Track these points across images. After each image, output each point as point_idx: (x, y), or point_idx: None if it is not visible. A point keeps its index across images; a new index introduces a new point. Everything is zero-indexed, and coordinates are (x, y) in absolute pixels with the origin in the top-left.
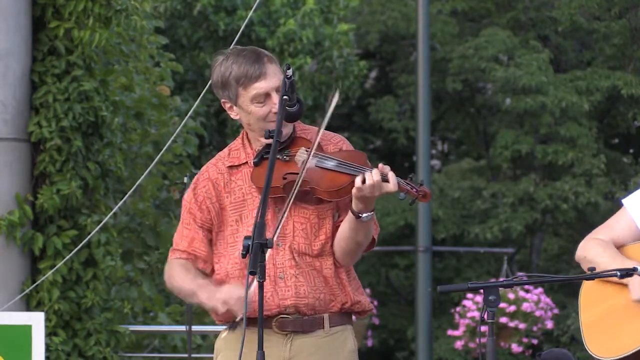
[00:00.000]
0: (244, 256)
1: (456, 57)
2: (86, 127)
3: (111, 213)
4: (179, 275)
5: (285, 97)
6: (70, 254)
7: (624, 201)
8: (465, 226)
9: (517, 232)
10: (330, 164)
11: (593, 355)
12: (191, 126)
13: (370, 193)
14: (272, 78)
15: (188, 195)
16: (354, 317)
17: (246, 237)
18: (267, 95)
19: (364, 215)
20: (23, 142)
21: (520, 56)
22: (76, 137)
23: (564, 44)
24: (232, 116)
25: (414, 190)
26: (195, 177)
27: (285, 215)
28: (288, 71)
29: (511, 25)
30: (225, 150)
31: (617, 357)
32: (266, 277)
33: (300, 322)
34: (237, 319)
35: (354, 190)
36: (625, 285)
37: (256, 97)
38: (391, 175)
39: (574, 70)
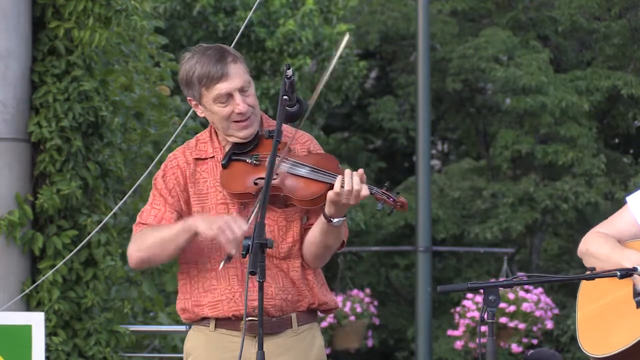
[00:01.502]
0: (244, 256)
1: (456, 57)
2: (86, 127)
3: (111, 213)
4: (152, 231)
5: (285, 97)
6: (70, 254)
7: (628, 199)
8: (465, 226)
9: (517, 232)
10: (302, 171)
11: (585, 352)
12: (191, 126)
13: (347, 200)
14: (234, 79)
15: (158, 182)
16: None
17: (246, 237)
18: (229, 95)
19: (336, 220)
20: (23, 142)
21: (520, 56)
22: (76, 137)
23: (564, 44)
24: (198, 113)
25: (391, 200)
26: (163, 164)
27: (253, 216)
28: (288, 71)
29: (511, 25)
30: (193, 140)
31: (608, 354)
32: (234, 278)
33: (268, 324)
34: (232, 255)
35: (331, 195)
36: (628, 280)
37: (218, 97)
38: (363, 184)
39: (574, 70)
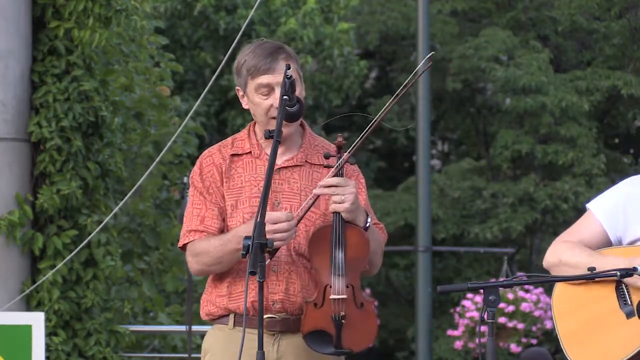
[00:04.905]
0: (243, 256)
1: (456, 57)
2: (86, 127)
3: (112, 214)
4: (206, 246)
5: (285, 97)
6: (71, 254)
7: (589, 205)
8: (465, 226)
9: (517, 232)
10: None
11: None
12: (191, 126)
13: (341, 200)
14: (279, 74)
15: (195, 179)
16: None
17: (246, 237)
18: (271, 88)
19: (368, 223)
20: (23, 142)
21: (520, 56)
22: (76, 137)
23: (564, 44)
24: (243, 105)
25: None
26: (199, 162)
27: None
28: (288, 71)
29: (511, 25)
30: (229, 139)
31: None
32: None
33: (288, 322)
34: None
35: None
36: (607, 291)
37: (259, 87)
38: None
39: (574, 70)
